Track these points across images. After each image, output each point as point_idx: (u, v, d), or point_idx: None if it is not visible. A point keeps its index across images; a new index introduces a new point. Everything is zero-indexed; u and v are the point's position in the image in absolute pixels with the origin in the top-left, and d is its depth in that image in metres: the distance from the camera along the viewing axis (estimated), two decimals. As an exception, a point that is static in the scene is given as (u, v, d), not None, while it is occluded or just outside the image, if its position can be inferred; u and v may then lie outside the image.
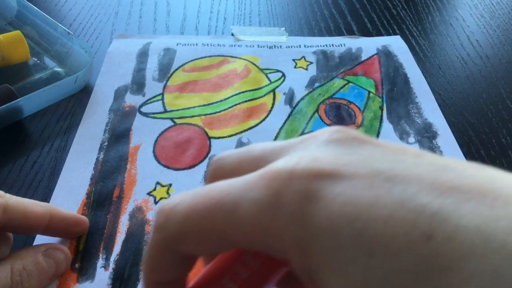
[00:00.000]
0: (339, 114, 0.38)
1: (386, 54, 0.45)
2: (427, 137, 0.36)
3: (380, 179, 0.11)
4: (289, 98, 0.39)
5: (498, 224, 0.09)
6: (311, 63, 0.44)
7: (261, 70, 0.42)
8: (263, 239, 0.12)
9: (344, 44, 0.46)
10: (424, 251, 0.09)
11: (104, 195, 0.31)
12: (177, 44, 0.45)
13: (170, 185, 0.31)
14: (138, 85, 0.40)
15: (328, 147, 0.13)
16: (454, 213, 0.10)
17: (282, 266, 0.15)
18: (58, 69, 0.41)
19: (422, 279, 0.09)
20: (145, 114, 0.37)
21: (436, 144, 0.35)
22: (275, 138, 0.35)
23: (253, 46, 0.45)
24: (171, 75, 0.41)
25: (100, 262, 0.27)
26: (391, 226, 0.10)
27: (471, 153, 0.35)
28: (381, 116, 0.38)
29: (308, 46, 0.46)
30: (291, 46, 0.46)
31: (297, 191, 0.11)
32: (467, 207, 0.10)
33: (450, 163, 0.11)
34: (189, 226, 0.13)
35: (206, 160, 0.33)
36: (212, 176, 0.15)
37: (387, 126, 0.37)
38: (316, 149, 0.13)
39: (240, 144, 0.35)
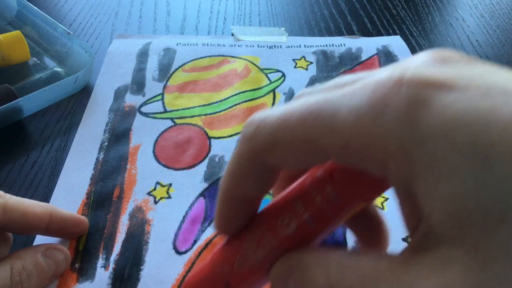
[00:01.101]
0: (339, 114, 0.38)
1: (386, 54, 0.45)
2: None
3: (496, 91, 0.10)
4: (289, 98, 0.39)
5: None
6: (311, 63, 0.44)
7: (261, 70, 0.42)
8: (362, 147, 0.11)
9: (344, 44, 0.46)
10: None
11: (104, 195, 0.31)
12: (177, 44, 0.45)
13: (170, 185, 0.31)
14: (138, 85, 0.40)
15: (434, 63, 0.12)
16: None
17: (358, 201, 0.14)
18: (58, 69, 0.41)
19: None
20: (145, 114, 0.37)
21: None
22: (275, 138, 0.35)
23: (253, 46, 0.45)
24: (171, 75, 0.41)
25: (100, 262, 0.27)
26: (509, 133, 0.10)
27: (471, 153, 0.35)
28: (381, 116, 0.38)
29: (308, 46, 0.46)
30: (291, 46, 0.46)
31: (406, 97, 0.11)
32: None
33: None
34: (281, 135, 0.13)
35: (206, 160, 0.33)
36: None
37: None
38: (421, 64, 0.12)
39: (240, 144, 0.35)
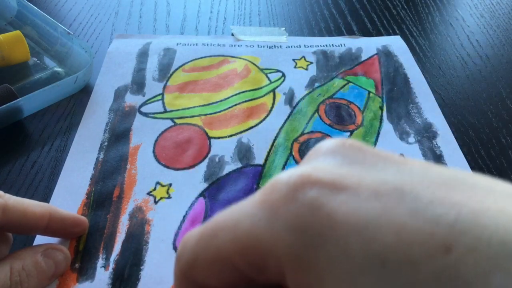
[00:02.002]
0: (339, 114, 0.38)
1: (386, 54, 0.45)
2: (427, 137, 0.36)
3: (387, 189, 0.10)
4: (289, 98, 0.39)
5: None
6: (311, 63, 0.44)
7: (261, 70, 0.42)
8: (259, 255, 0.11)
9: (344, 44, 0.46)
10: (445, 263, 0.09)
11: (104, 195, 0.31)
12: (177, 44, 0.45)
13: (170, 185, 0.31)
14: (138, 85, 0.40)
15: (327, 158, 0.12)
16: (473, 225, 0.09)
17: None
18: (58, 69, 0.41)
19: None
20: (145, 114, 0.37)
21: (436, 144, 0.35)
22: (275, 138, 0.35)
23: (253, 46, 0.45)
24: (171, 75, 0.41)
25: (100, 262, 0.27)
26: (404, 237, 0.09)
27: (471, 153, 0.35)
28: (381, 116, 0.38)
29: (308, 46, 0.46)
30: (291, 46, 0.46)
31: (294, 200, 0.11)
32: (487, 219, 0.09)
33: (459, 175, 0.11)
34: (198, 252, 0.13)
35: (206, 160, 0.33)
36: None
37: (387, 126, 0.37)
38: (315, 162, 0.12)
39: (240, 144, 0.35)
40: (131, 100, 0.38)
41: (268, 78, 0.41)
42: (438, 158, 0.34)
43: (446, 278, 0.09)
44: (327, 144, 0.13)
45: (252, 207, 0.12)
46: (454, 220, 0.09)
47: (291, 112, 0.38)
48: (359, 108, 0.38)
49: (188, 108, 0.38)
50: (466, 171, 0.11)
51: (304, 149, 0.34)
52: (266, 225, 0.11)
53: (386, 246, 0.09)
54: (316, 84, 0.41)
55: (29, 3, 0.45)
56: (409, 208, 0.09)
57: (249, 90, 0.40)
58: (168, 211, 0.30)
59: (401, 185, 0.10)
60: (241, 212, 0.12)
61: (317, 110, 0.38)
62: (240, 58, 0.44)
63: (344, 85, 0.41)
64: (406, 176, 0.10)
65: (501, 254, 0.08)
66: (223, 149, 0.34)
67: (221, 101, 0.39)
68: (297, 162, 0.33)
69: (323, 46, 0.46)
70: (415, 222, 0.09)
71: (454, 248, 0.09)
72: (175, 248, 0.28)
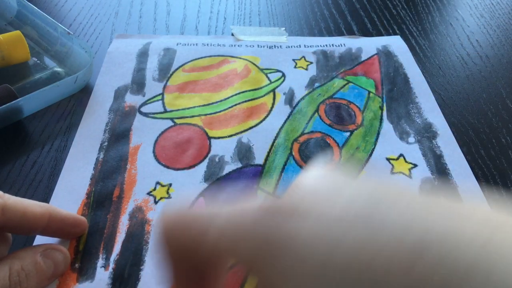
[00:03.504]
0: (339, 114, 0.38)
1: (386, 54, 0.45)
2: (427, 137, 0.36)
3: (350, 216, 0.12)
4: (289, 98, 0.39)
5: None
6: (311, 63, 0.44)
7: (261, 70, 0.42)
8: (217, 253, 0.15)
9: (344, 44, 0.46)
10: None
11: (104, 195, 0.31)
12: (177, 44, 0.45)
13: (170, 185, 0.31)
14: (138, 85, 0.40)
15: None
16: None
17: None
18: (58, 69, 0.41)
19: None
20: (145, 114, 0.37)
21: (436, 144, 0.35)
22: (275, 138, 0.35)
23: (253, 46, 0.45)
24: (171, 75, 0.41)
25: (100, 262, 0.27)
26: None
27: (471, 153, 0.35)
28: (381, 116, 0.38)
29: (308, 46, 0.46)
30: (291, 46, 0.46)
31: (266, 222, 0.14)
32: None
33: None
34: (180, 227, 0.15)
35: (206, 160, 0.33)
36: None
37: (387, 126, 0.37)
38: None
39: (240, 144, 0.35)
40: (131, 100, 0.38)
41: (268, 78, 0.41)
42: (438, 158, 0.34)
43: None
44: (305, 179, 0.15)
45: (224, 215, 0.14)
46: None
47: (291, 112, 0.38)
48: (359, 108, 0.38)
49: (188, 108, 0.38)
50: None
51: (304, 149, 0.34)
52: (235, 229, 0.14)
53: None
54: (316, 84, 0.41)
55: (29, 3, 0.45)
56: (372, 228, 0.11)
57: (249, 90, 0.40)
58: (168, 211, 0.30)
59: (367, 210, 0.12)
60: (215, 215, 0.15)
61: (317, 110, 0.38)
62: (240, 58, 0.44)
63: (344, 85, 0.41)
64: (374, 199, 0.12)
65: None
66: (223, 149, 0.34)
67: (221, 101, 0.39)
68: (297, 162, 0.33)
69: (323, 46, 0.46)
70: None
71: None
72: (175, 248, 0.28)
